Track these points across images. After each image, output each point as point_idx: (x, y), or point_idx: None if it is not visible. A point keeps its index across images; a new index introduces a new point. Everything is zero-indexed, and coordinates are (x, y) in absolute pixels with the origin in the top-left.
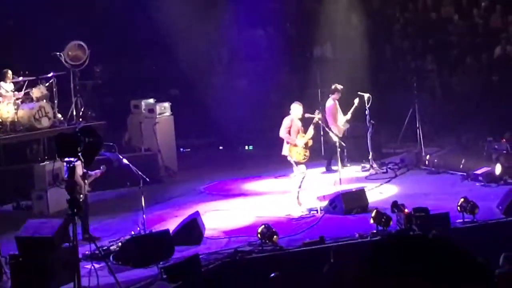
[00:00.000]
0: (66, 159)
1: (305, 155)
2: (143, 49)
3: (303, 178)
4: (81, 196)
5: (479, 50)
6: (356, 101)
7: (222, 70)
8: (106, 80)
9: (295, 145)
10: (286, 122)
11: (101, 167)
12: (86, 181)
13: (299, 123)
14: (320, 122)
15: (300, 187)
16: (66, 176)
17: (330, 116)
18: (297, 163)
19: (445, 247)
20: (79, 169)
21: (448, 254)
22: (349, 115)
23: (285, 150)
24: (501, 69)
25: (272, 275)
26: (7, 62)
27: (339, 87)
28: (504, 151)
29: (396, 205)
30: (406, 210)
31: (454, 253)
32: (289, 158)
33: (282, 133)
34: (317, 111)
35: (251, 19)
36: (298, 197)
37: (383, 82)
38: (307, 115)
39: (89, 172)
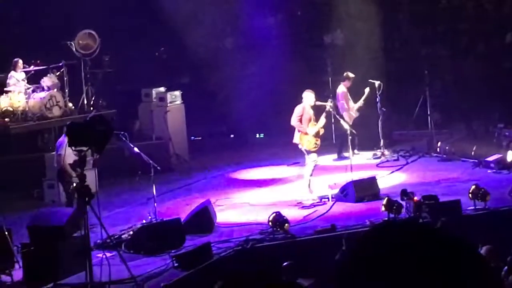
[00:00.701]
0: (78, 148)
1: (316, 143)
2: (154, 37)
3: (314, 166)
4: (73, 184)
5: (490, 37)
6: (367, 90)
7: (233, 58)
8: (117, 68)
9: (306, 134)
10: (298, 110)
11: (94, 156)
12: (78, 169)
13: (311, 111)
14: (331, 110)
15: (311, 175)
16: (56, 164)
17: (342, 103)
18: (308, 152)
19: (444, 240)
20: (69, 158)
21: (446, 249)
22: (360, 103)
23: (296, 138)
24: None
25: (285, 264)
26: (18, 52)
27: (351, 75)
28: None
29: (405, 193)
30: (415, 198)
31: (453, 247)
32: (300, 147)
33: (294, 121)
34: (329, 100)
35: (262, 6)
36: (309, 185)
37: (394, 69)
38: (318, 103)
39: None
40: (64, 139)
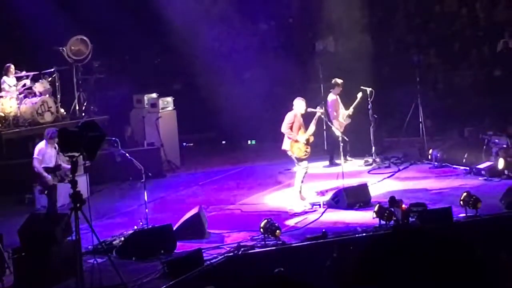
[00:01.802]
0: (69, 153)
1: (306, 151)
2: (147, 43)
3: (305, 173)
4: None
5: (482, 44)
6: (359, 95)
7: (225, 64)
8: (109, 74)
9: (297, 141)
10: (289, 117)
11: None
12: (57, 172)
13: (301, 119)
14: (322, 116)
15: (302, 181)
16: (35, 167)
17: (332, 111)
18: (299, 159)
19: (444, 241)
20: (39, 161)
21: (447, 249)
22: (351, 110)
23: (286, 145)
24: (504, 63)
25: (276, 270)
26: (10, 57)
27: (339, 81)
28: (504, 145)
29: (393, 201)
30: (403, 206)
31: (454, 248)
32: (289, 153)
33: (284, 128)
34: (318, 107)
35: (254, 13)
36: (300, 192)
37: (385, 75)
38: (309, 109)
39: (63, 165)
40: (42, 144)
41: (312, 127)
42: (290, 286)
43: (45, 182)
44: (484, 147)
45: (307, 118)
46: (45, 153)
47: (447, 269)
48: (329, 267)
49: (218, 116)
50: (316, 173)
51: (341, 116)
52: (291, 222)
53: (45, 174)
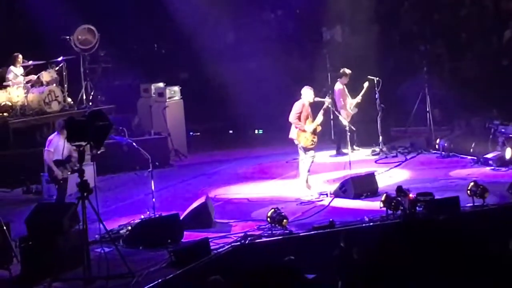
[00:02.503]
0: (76, 143)
1: (312, 141)
2: (153, 32)
3: (311, 162)
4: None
5: (489, 34)
6: (366, 85)
7: (232, 53)
8: (116, 63)
9: (304, 131)
10: (297, 107)
11: (92, 151)
12: (67, 164)
13: (309, 109)
14: (330, 106)
15: (308, 170)
16: (45, 160)
17: (338, 100)
18: (305, 149)
19: (454, 233)
20: (50, 154)
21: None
22: (358, 99)
23: (293, 134)
24: (511, 53)
25: (286, 259)
26: (17, 47)
27: (347, 71)
28: (511, 135)
29: (400, 190)
30: (410, 195)
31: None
32: (296, 142)
33: (292, 118)
34: (327, 96)
35: (261, 3)
36: (307, 181)
37: (392, 65)
38: (317, 99)
39: (73, 154)
40: (54, 135)
41: (320, 117)
42: (296, 274)
43: (55, 177)
44: (491, 136)
45: (314, 107)
46: (57, 145)
47: (454, 258)
48: (336, 257)
49: (225, 106)
50: (323, 162)
51: (348, 106)
52: (298, 211)
53: (54, 168)
